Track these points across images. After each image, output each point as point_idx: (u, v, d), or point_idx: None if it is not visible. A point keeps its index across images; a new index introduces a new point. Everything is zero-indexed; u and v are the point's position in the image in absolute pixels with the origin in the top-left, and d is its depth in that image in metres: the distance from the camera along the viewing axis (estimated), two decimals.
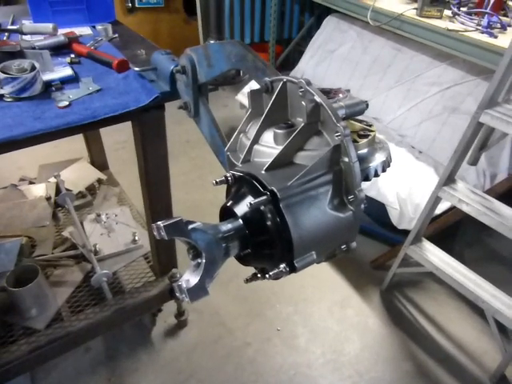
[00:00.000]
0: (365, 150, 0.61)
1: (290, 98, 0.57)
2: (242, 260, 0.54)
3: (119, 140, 2.92)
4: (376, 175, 0.60)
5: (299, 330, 1.83)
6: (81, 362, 1.66)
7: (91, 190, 2.10)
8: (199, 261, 0.49)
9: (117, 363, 1.66)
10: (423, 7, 1.91)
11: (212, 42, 0.92)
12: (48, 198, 1.95)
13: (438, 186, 1.65)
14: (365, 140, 0.61)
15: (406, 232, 1.87)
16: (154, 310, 1.73)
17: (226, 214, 0.54)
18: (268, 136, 0.57)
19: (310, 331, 1.83)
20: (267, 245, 0.50)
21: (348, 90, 0.63)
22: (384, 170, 0.62)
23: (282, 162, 0.53)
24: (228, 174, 0.55)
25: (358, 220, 0.54)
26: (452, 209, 1.87)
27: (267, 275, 0.50)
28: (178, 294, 0.51)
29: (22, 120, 0.87)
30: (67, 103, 0.93)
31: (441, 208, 1.92)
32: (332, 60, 2.89)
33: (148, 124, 1.11)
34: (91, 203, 2.03)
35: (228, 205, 0.53)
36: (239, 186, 0.54)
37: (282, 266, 0.50)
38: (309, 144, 0.54)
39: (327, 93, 0.61)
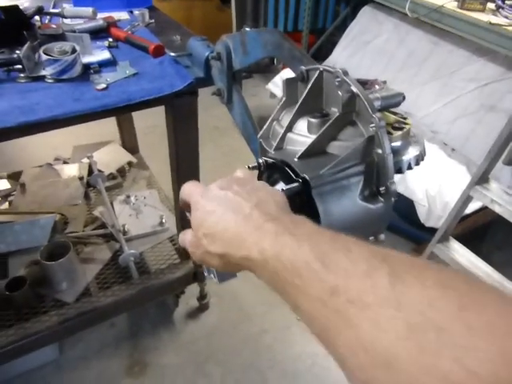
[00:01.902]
0: (398, 143, 0.61)
1: (325, 88, 0.57)
2: None
3: (150, 124, 2.97)
4: (409, 168, 0.60)
5: None
6: (105, 336, 1.72)
7: (122, 172, 2.16)
8: None
9: (139, 340, 1.72)
10: None
11: (248, 29, 0.92)
12: (81, 178, 2.02)
13: (470, 185, 1.61)
14: (399, 132, 0.60)
15: (432, 230, 1.83)
16: (178, 291, 1.77)
17: None
18: (302, 125, 0.58)
19: None
20: None
21: (384, 82, 0.63)
22: (417, 164, 0.62)
23: (315, 150, 0.54)
24: (261, 160, 0.56)
25: (389, 212, 0.54)
26: (483, 209, 1.82)
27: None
28: (206, 274, 0.52)
29: (63, 101, 0.90)
30: (105, 86, 0.95)
31: (471, 208, 1.87)
32: (366, 52, 2.84)
33: (181, 109, 1.13)
34: (121, 185, 2.09)
35: None
36: (271, 172, 0.55)
37: None
38: (342, 134, 0.54)
39: (363, 83, 0.60)
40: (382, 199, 0.53)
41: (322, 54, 3.72)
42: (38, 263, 1.51)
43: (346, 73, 0.54)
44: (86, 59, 1.03)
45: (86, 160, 2.10)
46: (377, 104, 0.57)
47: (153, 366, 1.63)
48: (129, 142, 2.32)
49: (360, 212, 0.52)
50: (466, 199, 1.65)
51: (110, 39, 1.21)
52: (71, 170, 2.08)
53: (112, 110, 0.94)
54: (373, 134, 0.50)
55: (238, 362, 1.66)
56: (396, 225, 2.18)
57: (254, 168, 0.56)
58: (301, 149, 0.54)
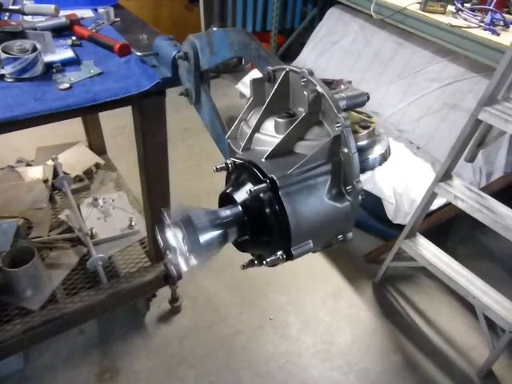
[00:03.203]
0: (364, 142, 0.62)
1: (292, 88, 0.57)
2: (240, 246, 0.55)
3: (118, 125, 2.91)
4: (374, 167, 0.61)
5: (291, 320, 1.86)
6: (74, 343, 1.67)
7: (89, 174, 2.10)
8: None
9: (110, 346, 1.67)
10: (427, 2, 1.91)
11: (215, 29, 0.92)
12: (45, 181, 1.95)
13: (434, 182, 1.66)
14: (365, 132, 0.62)
15: (400, 226, 1.88)
16: (149, 295, 1.74)
17: (225, 200, 0.55)
18: (269, 125, 0.58)
19: (302, 321, 1.85)
20: (265, 232, 0.51)
21: (350, 82, 0.64)
22: (382, 162, 0.63)
23: (283, 150, 0.54)
24: (228, 161, 0.56)
25: (356, 211, 0.55)
26: (447, 205, 1.88)
27: (264, 262, 0.51)
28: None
29: (23, 100, 0.87)
30: (68, 85, 0.92)
31: (436, 204, 1.94)
32: (333, 52, 2.88)
33: (148, 109, 1.11)
34: (88, 187, 2.03)
35: (227, 191, 0.54)
36: (239, 173, 0.55)
37: (279, 253, 0.51)
38: (309, 134, 0.55)
39: (329, 83, 0.62)
40: (349, 198, 0.54)
41: (291, 53, 3.76)
42: (0, 270, 1.45)
43: (311, 73, 0.55)
44: (48, 58, 1.00)
45: (50, 162, 2.03)
46: (342, 104, 0.58)
47: (125, 371, 1.59)
48: (96, 143, 2.26)
49: (328, 211, 0.53)
50: (430, 196, 1.70)
51: (74, 38, 1.17)
52: (35, 173, 2.01)
53: (76, 111, 0.91)
54: (339, 134, 0.51)
55: (212, 364, 1.65)
56: (365, 222, 2.23)
57: (221, 169, 0.56)
58: (268, 149, 0.54)
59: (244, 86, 2.91)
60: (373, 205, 2.06)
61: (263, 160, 0.53)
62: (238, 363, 1.67)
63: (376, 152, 0.62)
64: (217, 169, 0.56)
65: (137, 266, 1.64)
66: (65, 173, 1.97)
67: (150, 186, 1.35)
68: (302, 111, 0.55)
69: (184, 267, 0.49)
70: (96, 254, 1.56)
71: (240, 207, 0.52)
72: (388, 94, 2.42)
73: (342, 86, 0.62)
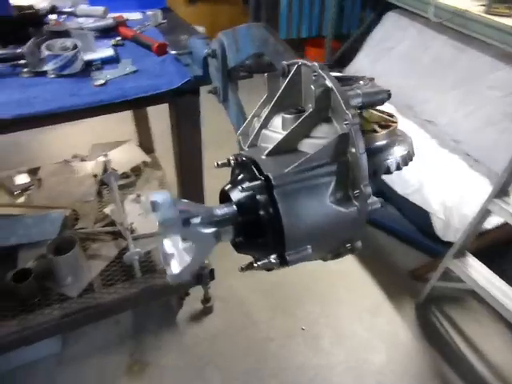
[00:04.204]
0: (383, 142, 0.57)
1: (303, 83, 0.54)
2: (237, 247, 0.53)
3: (168, 125, 3.00)
4: (397, 169, 0.56)
5: (325, 332, 1.79)
6: (109, 333, 1.73)
7: (136, 171, 2.18)
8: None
9: (142, 339, 1.71)
10: (491, 4, 1.76)
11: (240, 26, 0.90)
12: (95, 176, 2.05)
13: (488, 198, 1.52)
14: (384, 131, 0.57)
15: (449, 243, 1.75)
16: (181, 293, 1.76)
17: (225, 197, 0.52)
18: (277, 121, 0.55)
19: (336, 334, 1.77)
20: (259, 234, 0.48)
21: (372, 79, 0.59)
22: (406, 164, 0.57)
23: (286, 148, 0.51)
24: (231, 157, 0.54)
25: (364, 217, 0.50)
26: (505, 224, 1.72)
27: (255, 265, 0.49)
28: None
29: (59, 95, 0.91)
30: (103, 82, 0.96)
31: (492, 222, 1.78)
32: (390, 58, 2.77)
33: (182, 108, 1.12)
34: (134, 184, 2.10)
35: (226, 188, 0.51)
36: (239, 170, 0.53)
37: (273, 257, 0.48)
38: (316, 131, 0.51)
39: (347, 80, 0.57)
40: (356, 203, 0.49)
41: (347, 59, 3.67)
42: (45, 257, 1.54)
43: (323, 67, 0.51)
44: (89, 56, 1.04)
45: (101, 158, 2.14)
46: (357, 101, 0.54)
47: (153, 366, 1.62)
48: (145, 142, 2.34)
49: (330, 215, 0.48)
50: (484, 213, 1.56)
51: (118, 38, 1.22)
52: (87, 168, 2.12)
53: (108, 106, 0.94)
54: (346, 132, 0.47)
55: (239, 368, 1.63)
56: (411, 236, 2.10)
57: (222, 165, 0.54)
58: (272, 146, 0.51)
59: None
60: (420, 219, 1.94)
61: (263, 157, 0.50)
62: (267, 371, 1.63)
63: (395, 154, 0.56)
64: (218, 165, 0.54)
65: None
66: (113, 169, 2.05)
67: (185, 185, 1.37)
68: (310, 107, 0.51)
69: (173, 269, 0.47)
70: (134, 248, 1.61)
71: (235, 206, 0.49)
72: (445, 102, 2.27)
73: (362, 82, 0.58)
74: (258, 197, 0.47)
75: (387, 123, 0.59)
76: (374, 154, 0.55)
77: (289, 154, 0.50)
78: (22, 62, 0.99)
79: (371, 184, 0.52)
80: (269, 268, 0.48)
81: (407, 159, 0.58)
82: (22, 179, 2.03)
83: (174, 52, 1.03)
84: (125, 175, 2.12)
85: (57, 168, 2.12)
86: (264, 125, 0.56)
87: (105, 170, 2.06)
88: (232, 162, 0.53)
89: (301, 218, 0.47)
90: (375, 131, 0.57)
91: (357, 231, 0.51)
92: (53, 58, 0.95)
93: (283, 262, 0.48)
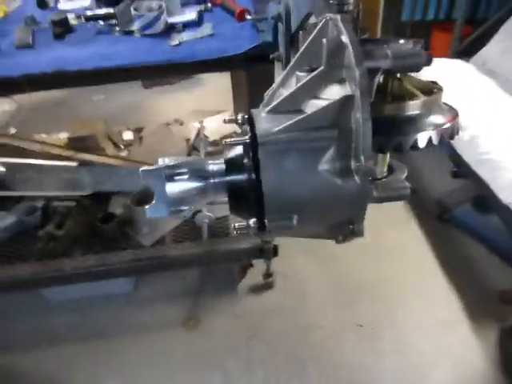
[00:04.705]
0: (415, 111, 0.48)
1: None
2: (230, 208, 0.51)
3: None
4: (429, 145, 0.47)
5: (384, 334, 1.66)
6: (175, 285, 1.86)
7: (226, 138, 2.25)
8: None
9: (201, 297, 1.80)
10: None
11: None
12: (187, 140, 2.18)
13: None
14: (420, 99, 0.48)
15: None
16: (243, 263, 1.80)
17: None
18: (293, 79, 0.51)
19: (396, 340, 1.64)
20: (244, 194, 0.46)
21: (420, 41, 0.50)
22: (442, 142, 0.48)
23: (290, 107, 0.47)
24: (239, 115, 0.52)
25: (364, 195, 0.44)
26: None
27: (234, 228, 0.46)
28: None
29: (137, 52, 0.98)
30: (177, 42, 1.00)
31: None
32: None
33: (256, 75, 1.10)
34: (221, 152, 2.18)
35: (225, 142, 0.50)
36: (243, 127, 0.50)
37: (252, 221, 0.45)
38: (326, 92, 0.46)
39: (383, 41, 0.50)
40: (356, 177, 0.43)
41: (479, 49, 3.23)
42: (129, 206, 1.71)
43: (346, 20, 0.45)
44: (173, 19, 1.09)
45: (197, 124, 2.26)
46: (385, 63, 0.46)
47: (205, 325, 1.70)
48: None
49: (322, 186, 0.43)
50: None
51: (209, 4, 1.25)
52: (183, 132, 2.27)
53: (179, 67, 0.98)
54: (350, 94, 0.41)
55: (283, 347, 1.62)
56: (510, 251, 1.81)
57: (230, 121, 0.52)
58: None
59: None
60: None
61: (263, 114, 0.47)
62: (309, 356, 1.59)
63: (427, 126, 0.47)
64: (225, 120, 0.52)
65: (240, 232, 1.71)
66: (205, 136, 2.17)
67: None
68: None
69: (149, 213, 0.48)
70: (206, 211, 1.68)
71: (224, 163, 0.47)
72: None
73: (402, 42, 0.49)
74: (242, 156, 0.45)
75: (429, 90, 0.51)
76: (401, 123, 0.48)
77: (291, 113, 0.46)
78: (115, 21, 1.08)
79: (389, 158, 0.46)
80: (244, 232, 0.46)
81: (444, 135, 0.49)
82: (128, 136, 2.26)
83: (249, 17, 1.02)
84: (214, 143, 2.21)
85: (157, 129, 2.31)
86: (282, 83, 0.52)
87: (197, 136, 2.18)
88: (239, 118, 0.51)
89: (286, 182, 0.43)
90: (411, 96, 0.49)
91: (355, 210, 0.45)
92: (138, 18, 1.02)
93: (261, 228, 0.45)
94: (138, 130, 2.34)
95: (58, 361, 1.61)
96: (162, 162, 0.51)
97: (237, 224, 0.46)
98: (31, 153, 2.01)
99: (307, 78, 0.45)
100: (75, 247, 1.67)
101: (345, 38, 0.43)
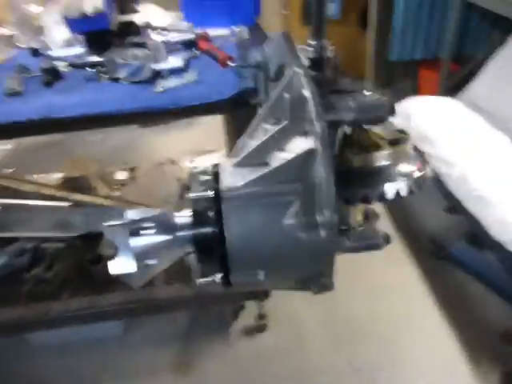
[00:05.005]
0: (382, 163, 0.49)
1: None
2: (198, 260, 0.50)
3: None
4: (386, 197, 0.47)
5: (383, 380, 1.60)
6: (166, 328, 1.80)
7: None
8: None
9: (193, 341, 1.75)
10: None
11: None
12: (179, 180, 2.19)
13: None
14: (386, 150, 0.48)
15: None
16: (235, 304, 1.76)
17: None
18: (260, 131, 0.51)
19: None
20: (208, 247, 0.45)
21: (385, 92, 0.51)
22: (411, 192, 0.48)
23: (255, 159, 0.47)
24: (210, 166, 0.52)
25: (330, 248, 0.43)
26: None
27: (197, 281, 0.45)
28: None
29: (122, 99, 1.00)
30: (162, 89, 1.02)
31: None
32: None
33: (238, 119, 1.13)
34: None
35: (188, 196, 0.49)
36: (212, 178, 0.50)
37: (218, 276, 0.44)
38: (291, 145, 0.46)
39: (342, 92, 0.51)
40: (322, 231, 0.43)
41: (466, 86, 3.31)
42: None
43: (307, 74, 0.46)
44: (159, 66, 1.12)
45: (188, 164, 2.28)
46: (349, 115, 0.47)
47: (198, 370, 1.64)
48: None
49: (288, 241, 0.43)
50: None
51: (196, 51, 1.29)
52: (175, 172, 2.28)
53: (165, 113, 1.00)
54: (313, 147, 0.42)
55: None
56: (510, 291, 1.77)
57: (200, 173, 0.52)
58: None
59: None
60: None
61: (230, 167, 0.47)
62: None
63: (394, 177, 0.48)
64: (193, 171, 0.53)
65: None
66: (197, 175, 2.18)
67: None
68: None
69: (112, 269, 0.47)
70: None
71: (191, 216, 0.47)
72: None
73: (366, 93, 0.50)
74: (209, 209, 0.44)
75: (397, 140, 0.51)
76: (367, 175, 0.48)
77: (256, 166, 0.46)
78: (104, 68, 1.11)
79: (345, 211, 0.45)
80: (209, 287, 0.45)
81: (413, 186, 0.49)
82: (121, 175, 2.28)
83: (232, 64, 1.05)
84: None
85: (150, 168, 2.33)
86: (249, 134, 0.53)
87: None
88: (209, 170, 0.51)
89: (250, 236, 0.42)
90: (377, 147, 0.50)
91: (323, 264, 0.44)
92: (124, 66, 1.05)
93: (226, 283, 0.44)
94: (131, 170, 2.36)
95: None
96: (131, 215, 0.50)
97: (202, 280, 0.45)
98: (24, 193, 2.01)
99: (272, 132, 0.46)
100: (64, 289, 1.64)
101: (306, 93, 0.43)
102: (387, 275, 2.00)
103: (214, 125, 2.80)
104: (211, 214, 0.44)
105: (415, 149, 0.51)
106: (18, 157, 2.68)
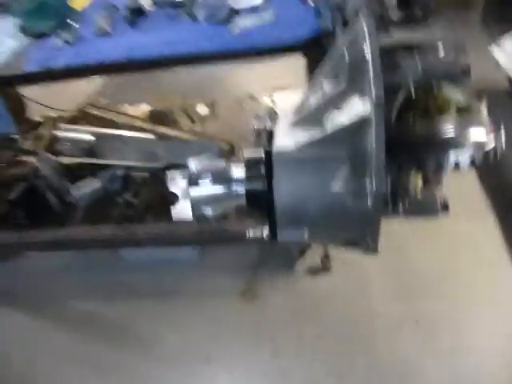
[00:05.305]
0: (451, 129, 0.45)
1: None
2: (248, 212, 0.53)
3: None
4: (473, 164, 0.45)
5: (443, 336, 1.59)
6: (238, 258, 1.93)
7: None
8: None
9: (261, 273, 1.87)
10: None
11: None
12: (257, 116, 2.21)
13: None
14: (451, 116, 0.45)
15: None
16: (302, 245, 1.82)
17: None
18: (319, 87, 0.50)
19: (456, 345, 1.56)
20: (258, 202, 0.47)
21: (460, 47, 0.45)
22: (474, 163, 0.45)
23: (311, 119, 0.47)
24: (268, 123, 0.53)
25: (376, 216, 0.43)
26: None
27: (247, 233, 0.49)
28: None
29: (198, 39, 1.01)
30: (238, 31, 1.00)
31: None
32: None
33: (315, 59, 1.08)
34: None
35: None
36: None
37: (265, 228, 0.47)
38: (348, 105, 0.44)
39: (411, 48, 0.46)
40: (369, 199, 0.42)
41: None
42: None
43: (372, 33, 0.43)
44: (238, 4, 1.09)
45: (267, 100, 2.27)
46: (414, 73, 0.43)
47: (261, 299, 1.78)
48: None
49: (335, 205, 0.44)
50: None
51: None
52: (254, 107, 2.30)
53: (239, 54, 0.99)
54: (366, 116, 0.40)
55: (335, 331, 1.64)
56: None
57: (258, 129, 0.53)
58: None
59: (505, 53, 2.35)
60: None
61: (286, 126, 0.47)
62: (359, 345, 1.59)
63: (465, 148, 0.44)
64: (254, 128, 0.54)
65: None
66: (275, 112, 2.17)
67: None
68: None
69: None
70: None
71: (244, 170, 0.49)
72: None
73: (441, 48, 0.45)
74: (261, 166, 0.46)
75: (468, 106, 0.46)
76: (430, 142, 0.45)
77: (311, 126, 0.46)
78: (184, 7, 1.12)
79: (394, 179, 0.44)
80: (258, 239, 0.48)
81: (481, 157, 0.45)
82: (202, 109, 2.35)
83: (312, 3, 0.99)
84: None
85: (231, 104, 2.37)
86: (310, 89, 0.52)
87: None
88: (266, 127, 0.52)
89: (297, 196, 0.44)
90: (442, 112, 0.46)
91: (368, 230, 0.44)
92: (203, 5, 1.04)
93: (273, 237, 0.46)
94: (212, 104, 2.42)
95: (128, 312, 1.82)
96: (192, 164, 0.54)
97: (251, 231, 0.48)
98: (116, 124, 2.19)
99: (330, 95, 0.45)
100: (148, 214, 1.83)
101: (368, 54, 0.41)
102: (464, 230, 1.89)
103: (297, 60, 2.70)
104: (263, 171, 0.46)
105: (491, 114, 0.46)
106: (111, 87, 2.87)
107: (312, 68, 1.12)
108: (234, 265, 1.94)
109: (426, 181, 0.51)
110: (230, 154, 2.05)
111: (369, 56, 0.40)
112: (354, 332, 1.63)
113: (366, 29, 0.41)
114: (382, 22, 0.73)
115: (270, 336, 1.64)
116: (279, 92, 2.32)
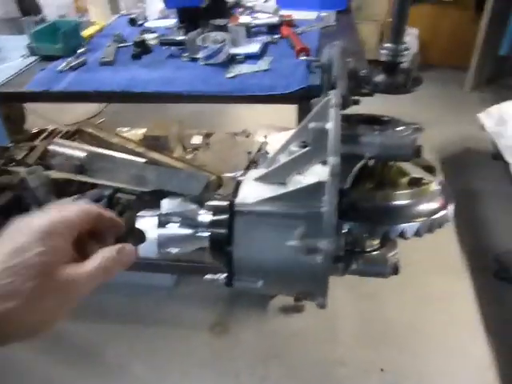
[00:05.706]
0: (404, 201, 0.49)
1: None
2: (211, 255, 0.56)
3: None
4: (417, 235, 0.48)
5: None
6: (211, 289, 1.94)
7: None
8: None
9: (233, 307, 1.87)
10: None
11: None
12: (249, 153, 2.26)
13: None
14: (405, 191, 0.49)
15: None
16: None
17: None
18: (290, 149, 0.54)
19: None
20: (221, 247, 0.50)
21: (418, 128, 0.50)
22: (429, 231, 0.49)
23: (276, 178, 0.50)
24: (239, 173, 0.57)
25: (324, 274, 0.46)
26: None
27: (205, 276, 0.51)
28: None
29: (195, 80, 1.07)
30: (233, 75, 1.07)
31: None
32: None
33: (305, 110, 1.15)
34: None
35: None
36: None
37: (222, 276, 0.50)
38: (310, 171, 0.49)
39: (373, 121, 0.51)
40: (319, 256, 0.46)
41: None
42: None
43: (338, 104, 0.48)
44: (236, 50, 1.17)
45: (261, 139, 2.34)
46: (371, 151, 0.48)
47: (231, 335, 1.77)
48: None
49: (288, 260, 0.46)
50: None
51: (276, 36, 1.31)
52: (246, 144, 2.36)
53: (230, 97, 1.05)
54: (322, 180, 0.44)
55: (300, 377, 1.63)
56: None
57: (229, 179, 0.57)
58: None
59: (490, 117, 2.47)
60: None
61: (252, 181, 0.51)
62: None
63: (415, 217, 0.48)
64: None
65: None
66: (266, 152, 2.23)
67: None
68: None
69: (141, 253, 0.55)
70: None
71: (210, 217, 0.52)
72: None
73: (401, 129, 0.50)
74: (224, 217, 0.49)
75: (419, 180, 0.51)
76: (388, 213, 0.49)
77: (274, 185, 0.50)
78: (185, 47, 1.19)
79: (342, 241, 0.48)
80: (214, 283, 0.51)
81: (432, 226, 0.49)
82: (196, 140, 2.41)
83: (303, 58, 1.06)
84: None
85: (224, 137, 2.43)
86: (281, 149, 0.56)
87: (259, 150, 2.25)
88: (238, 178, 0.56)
89: (255, 249, 0.47)
90: (396, 186, 0.50)
91: (317, 285, 0.48)
92: (203, 48, 1.11)
93: (228, 284, 0.49)
94: (206, 136, 2.48)
95: (96, 334, 1.79)
96: (164, 204, 0.57)
97: (208, 276, 0.51)
98: (110, 144, 2.24)
99: (294, 156, 0.49)
100: (129, 237, 1.84)
101: (329, 125, 0.46)
102: (438, 285, 1.93)
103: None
104: (226, 220, 0.49)
105: (443, 185, 0.50)
106: (112, 108, 2.94)
107: (302, 117, 1.18)
108: (208, 296, 1.93)
109: (381, 243, 0.55)
110: (216, 185, 2.10)
111: (330, 128, 0.44)
112: (320, 377, 1.62)
113: (332, 103, 0.46)
114: (364, 87, 0.80)
115: (235, 372, 1.63)
116: (273, 132, 2.39)
